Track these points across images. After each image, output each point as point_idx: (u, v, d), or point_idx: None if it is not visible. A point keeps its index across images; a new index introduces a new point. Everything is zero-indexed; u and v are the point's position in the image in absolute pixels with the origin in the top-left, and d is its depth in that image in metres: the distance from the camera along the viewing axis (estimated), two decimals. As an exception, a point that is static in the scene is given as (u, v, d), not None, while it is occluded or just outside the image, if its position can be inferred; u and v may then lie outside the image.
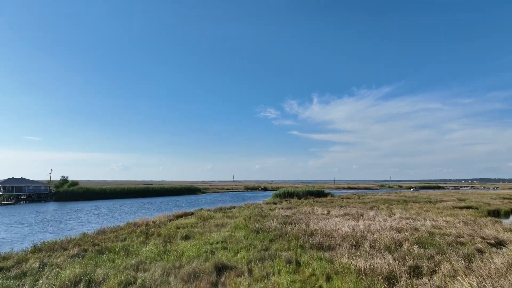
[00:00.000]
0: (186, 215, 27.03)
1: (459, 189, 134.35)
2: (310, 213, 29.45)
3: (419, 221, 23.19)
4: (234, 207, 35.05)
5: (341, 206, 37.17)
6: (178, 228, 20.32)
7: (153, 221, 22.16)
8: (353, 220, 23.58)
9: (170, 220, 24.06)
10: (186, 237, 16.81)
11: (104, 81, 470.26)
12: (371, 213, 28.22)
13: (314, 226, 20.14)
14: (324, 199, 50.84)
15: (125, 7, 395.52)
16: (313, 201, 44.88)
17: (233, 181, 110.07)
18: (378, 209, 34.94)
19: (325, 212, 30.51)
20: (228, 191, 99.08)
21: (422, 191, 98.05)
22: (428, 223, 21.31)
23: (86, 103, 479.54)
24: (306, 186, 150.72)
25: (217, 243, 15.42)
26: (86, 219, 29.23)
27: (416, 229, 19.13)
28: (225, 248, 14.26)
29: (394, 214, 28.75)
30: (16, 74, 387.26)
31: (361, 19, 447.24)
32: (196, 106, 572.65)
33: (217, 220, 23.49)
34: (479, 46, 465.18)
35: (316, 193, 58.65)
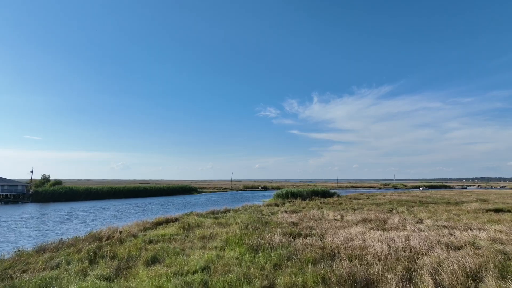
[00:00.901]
0: (168, 222, 21.85)
1: (465, 188, 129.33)
2: (320, 219, 24.28)
3: (465, 230, 18.02)
4: (229, 210, 29.90)
5: (354, 209, 32.04)
6: (150, 242, 15.15)
7: (120, 232, 16.95)
8: (379, 229, 18.41)
9: (144, 230, 18.88)
10: (153, 260, 11.62)
11: (105, 80, 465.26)
12: (395, 219, 23.02)
13: (333, 239, 14.97)
14: (331, 200, 45.72)
15: (126, 6, 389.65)
16: (320, 203, 39.73)
17: (232, 180, 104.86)
18: (398, 212, 29.83)
19: (338, 217, 25.36)
20: (226, 191, 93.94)
21: (431, 191, 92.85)
22: (483, 234, 16.12)
23: (86, 102, 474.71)
24: (308, 185, 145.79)
25: (194, 272, 10.23)
26: (47, 227, 24.04)
27: (473, 245, 13.99)
28: (205, 284, 9.09)
29: (422, 220, 23.65)
30: (16, 73, 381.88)
31: (361, 18, 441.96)
32: (196, 105, 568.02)
33: (204, 230, 18.30)
34: (480, 45, 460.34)
35: (321, 193, 53.51)
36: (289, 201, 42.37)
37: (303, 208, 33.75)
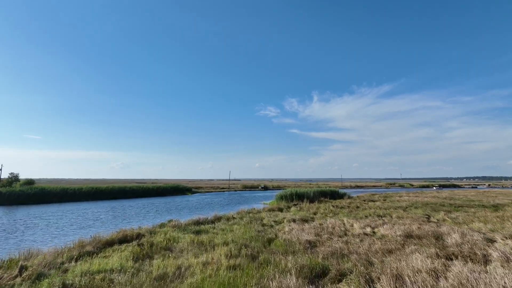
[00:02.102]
0: (124, 240, 14.92)
1: (476, 187, 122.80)
2: (345, 233, 17.37)
3: None
4: (220, 219, 22.99)
5: (380, 216, 25.14)
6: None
7: (21, 267, 9.97)
8: (452, 258, 11.58)
9: (78, 257, 11.93)
10: None
11: (104, 79, 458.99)
12: (454, 235, 16.02)
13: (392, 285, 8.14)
14: (343, 202, 38.82)
15: (126, 6, 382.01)
16: (333, 206, 32.81)
17: (229, 180, 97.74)
18: (439, 220, 22.94)
19: (368, 229, 18.47)
20: (224, 191, 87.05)
21: (447, 190, 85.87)
22: None
23: (86, 101, 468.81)
24: (310, 184, 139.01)
25: None
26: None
27: None
28: None
29: (485, 234, 16.80)
30: (15, 72, 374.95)
31: (361, 17, 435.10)
32: (196, 104, 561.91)
33: (169, 260, 11.37)
34: (480, 44, 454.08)
35: (330, 194, 46.62)
36: (295, 204, 35.49)
37: (314, 214, 26.87)
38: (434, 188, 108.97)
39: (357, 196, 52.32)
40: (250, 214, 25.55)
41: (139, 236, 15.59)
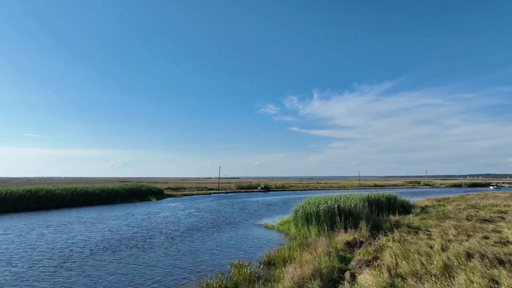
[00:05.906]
0: None
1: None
2: None
3: None
4: None
5: None
6: None
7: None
8: None
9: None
10: None
11: (103, 76, 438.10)
12: None
13: None
14: (437, 226, 17.32)
15: (124, 3, 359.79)
16: (475, 259, 11.31)
17: (219, 177, 76.04)
18: None
19: None
20: (210, 193, 65.70)
21: (507, 191, 64.26)
22: None
23: (85, 99, 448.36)
24: (318, 183, 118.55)
25: None
26: None
27: None
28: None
29: None
30: (14, 70, 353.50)
31: (362, 14, 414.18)
32: (195, 102, 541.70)
33: None
34: (481, 41, 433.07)
35: (388, 206, 25.15)
36: (352, 245, 13.91)
37: None
38: (491, 187, 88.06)
39: (426, 206, 30.85)
40: None
41: None
